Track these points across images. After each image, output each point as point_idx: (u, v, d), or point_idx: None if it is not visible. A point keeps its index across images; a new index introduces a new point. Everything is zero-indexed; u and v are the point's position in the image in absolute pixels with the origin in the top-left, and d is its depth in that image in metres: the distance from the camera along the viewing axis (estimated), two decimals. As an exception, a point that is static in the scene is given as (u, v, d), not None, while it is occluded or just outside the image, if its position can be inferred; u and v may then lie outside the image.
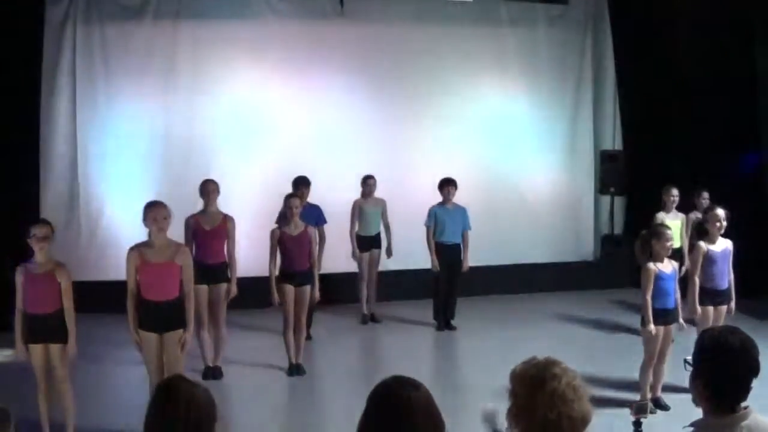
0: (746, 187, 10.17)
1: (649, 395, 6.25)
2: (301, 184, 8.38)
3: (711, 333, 2.59)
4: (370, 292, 9.33)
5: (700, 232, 6.90)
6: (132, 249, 5.70)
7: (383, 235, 9.31)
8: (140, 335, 5.62)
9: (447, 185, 8.84)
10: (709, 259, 6.63)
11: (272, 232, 7.32)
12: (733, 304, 6.76)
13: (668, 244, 6.22)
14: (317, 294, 7.42)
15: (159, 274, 5.60)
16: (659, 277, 6.17)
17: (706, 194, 8.73)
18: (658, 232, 6.23)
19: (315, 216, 8.38)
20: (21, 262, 5.54)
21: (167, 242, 5.71)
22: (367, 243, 9.16)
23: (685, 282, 6.75)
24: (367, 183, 9.13)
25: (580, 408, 2.25)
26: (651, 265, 6.17)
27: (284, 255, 7.29)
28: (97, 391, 6.75)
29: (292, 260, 7.26)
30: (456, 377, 7.58)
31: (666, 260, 6.26)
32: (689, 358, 2.57)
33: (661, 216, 8.42)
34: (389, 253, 9.30)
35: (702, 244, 6.67)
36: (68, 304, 5.49)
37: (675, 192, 8.55)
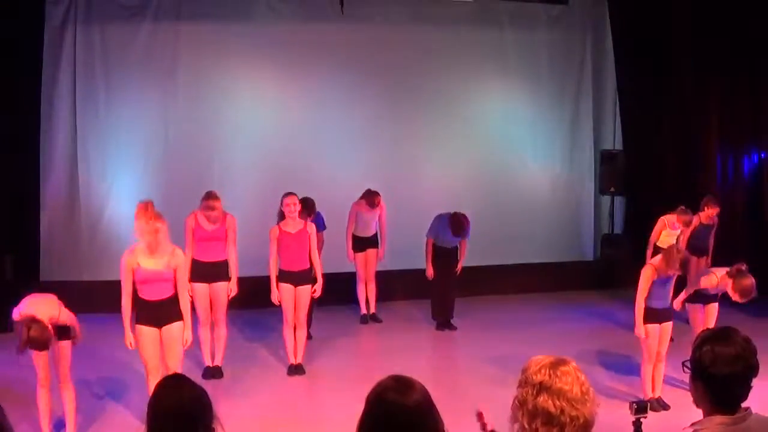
0: (746, 187, 10.19)
1: (650, 395, 6.25)
2: (307, 206, 8.14)
3: (708, 334, 2.58)
4: (369, 292, 9.32)
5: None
6: (127, 251, 5.71)
7: (379, 236, 9.28)
8: (138, 330, 5.63)
9: (459, 229, 8.60)
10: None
11: (271, 231, 7.32)
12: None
13: (672, 272, 6.17)
14: (319, 290, 7.37)
15: (155, 276, 5.62)
16: (658, 281, 6.16)
17: (713, 200, 8.73)
18: (673, 259, 6.08)
19: (316, 222, 8.37)
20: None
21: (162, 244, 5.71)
22: (363, 243, 9.14)
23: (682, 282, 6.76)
24: (373, 200, 8.93)
25: (584, 410, 2.25)
26: (651, 268, 6.15)
27: (284, 254, 7.29)
28: (98, 391, 6.75)
29: (291, 259, 7.26)
30: (455, 377, 7.57)
31: None
32: (687, 361, 2.56)
33: (664, 223, 8.39)
34: (381, 255, 9.24)
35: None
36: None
37: (686, 218, 8.39)
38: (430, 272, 8.88)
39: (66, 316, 5.51)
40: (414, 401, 2.26)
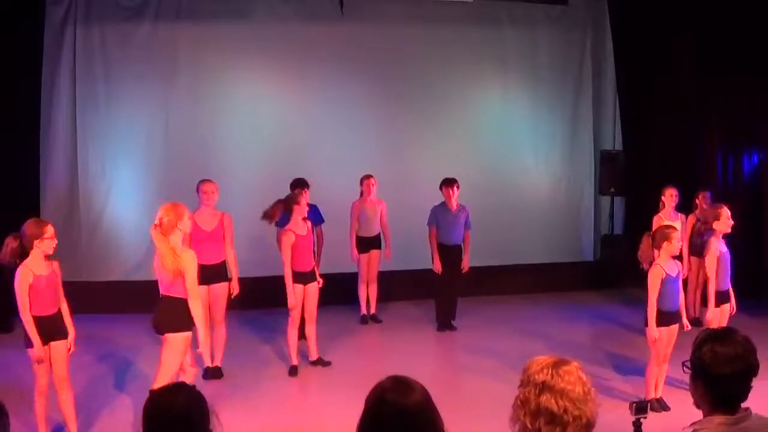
0: (746, 187, 10.19)
1: (652, 395, 6.24)
2: (301, 185, 8.36)
3: (708, 334, 2.58)
4: (370, 292, 9.33)
5: (707, 231, 6.77)
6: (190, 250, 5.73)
7: (382, 236, 9.29)
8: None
9: (449, 186, 8.78)
10: (721, 260, 6.60)
11: (286, 237, 7.24)
12: (733, 301, 6.74)
13: (678, 244, 6.23)
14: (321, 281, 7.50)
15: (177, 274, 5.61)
16: (665, 280, 6.15)
17: (707, 195, 8.71)
18: (668, 233, 6.17)
19: (313, 216, 8.37)
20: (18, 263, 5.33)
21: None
22: (366, 244, 9.15)
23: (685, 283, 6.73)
24: (369, 183, 9.07)
25: (586, 409, 2.25)
26: (659, 267, 6.15)
27: (296, 256, 7.30)
28: (96, 392, 6.74)
29: (302, 260, 7.31)
30: (456, 377, 7.57)
31: (671, 261, 6.25)
32: (687, 361, 2.56)
33: (660, 217, 8.40)
34: (387, 255, 9.28)
35: (716, 244, 6.63)
36: (63, 297, 5.53)
37: (673, 192, 8.52)
38: (437, 266, 8.78)
39: (65, 309, 5.53)
40: (414, 402, 2.26)
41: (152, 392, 2.49)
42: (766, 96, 9.51)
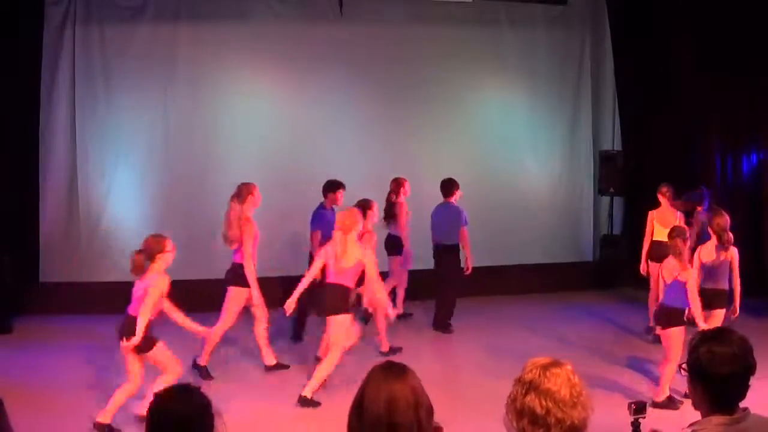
0: (745, 187, 10.19)
1: (666, 394, 6.29)
2: (338, 186, 8.38)
3: (704, 335, 2.58)
4: (401, 291, 9.28)
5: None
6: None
7: None
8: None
9: (451, 182, 8.79)
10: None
11: (373, 236, 7.64)
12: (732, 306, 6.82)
13: (689, 245, 6.40)
14: None
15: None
16: None
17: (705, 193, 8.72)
18: (685, 234, 6.31)
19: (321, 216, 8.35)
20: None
21: None
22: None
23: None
24: (408, 185, 9.00)
25: (572, 413, 2.23)
26: (694, 271, 6.23)
27: None
28: (95, 392, 6.73)
29: None
30: (455, 376, 7.58)
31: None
32: (684, 363, 2.56)
33: (653, 213, 8.41)
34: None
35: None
36: None
37: (664, 189, 8.49)
38: (470, 267, 8.83)
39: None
40: (401, 388, 2.29)
41: (156, 394, 2.49)
42: (766, 96, 9.51)
